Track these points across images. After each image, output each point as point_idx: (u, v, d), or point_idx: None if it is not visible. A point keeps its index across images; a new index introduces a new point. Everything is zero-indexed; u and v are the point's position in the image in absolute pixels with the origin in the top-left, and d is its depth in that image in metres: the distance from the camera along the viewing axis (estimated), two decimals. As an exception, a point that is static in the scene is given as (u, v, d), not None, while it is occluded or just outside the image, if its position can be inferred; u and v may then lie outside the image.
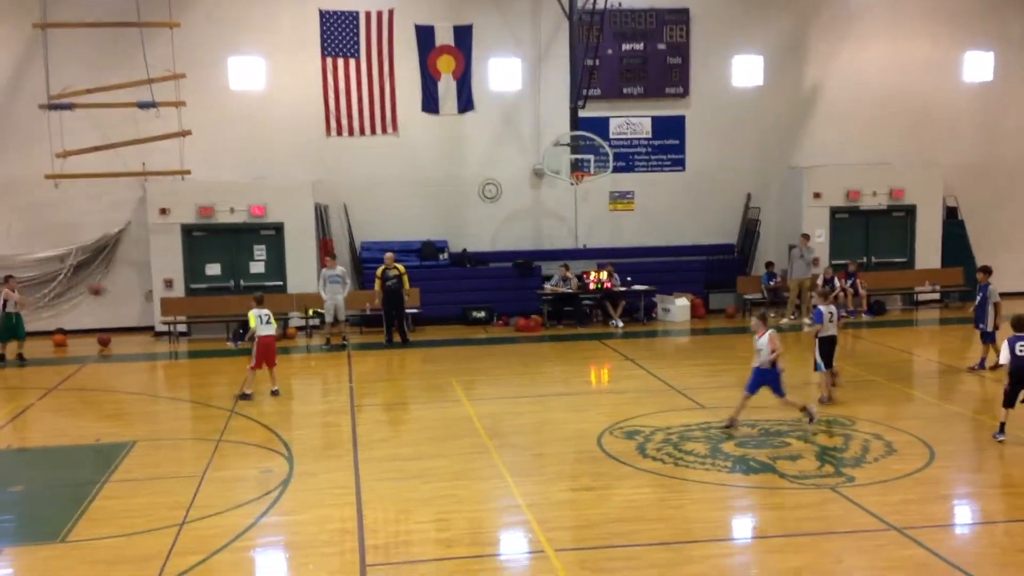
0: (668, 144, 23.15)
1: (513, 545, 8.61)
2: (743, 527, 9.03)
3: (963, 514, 9.27)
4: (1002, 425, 11.13)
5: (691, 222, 22.99)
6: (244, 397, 14.02)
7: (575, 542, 8.39)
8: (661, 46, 22.57)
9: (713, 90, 22.85)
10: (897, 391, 14.19)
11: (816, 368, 13.36)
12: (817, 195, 22.28)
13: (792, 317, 20.76)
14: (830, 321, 13.32)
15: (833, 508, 9.04)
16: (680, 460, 10.63)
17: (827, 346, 13.26)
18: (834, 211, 22.46)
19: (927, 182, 22.69)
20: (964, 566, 7.58)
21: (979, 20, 23.38)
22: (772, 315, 21.05)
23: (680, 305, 21.27)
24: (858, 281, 21.22)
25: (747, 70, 22.87)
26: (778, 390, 11.77)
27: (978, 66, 23.51)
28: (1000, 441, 10.99)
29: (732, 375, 15.35)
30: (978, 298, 15.29)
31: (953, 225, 23.22)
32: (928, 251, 22.78)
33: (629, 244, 22.73)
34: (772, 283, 21.38)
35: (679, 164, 23.12)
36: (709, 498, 9.52)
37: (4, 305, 17.62)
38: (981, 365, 15.08)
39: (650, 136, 23.09)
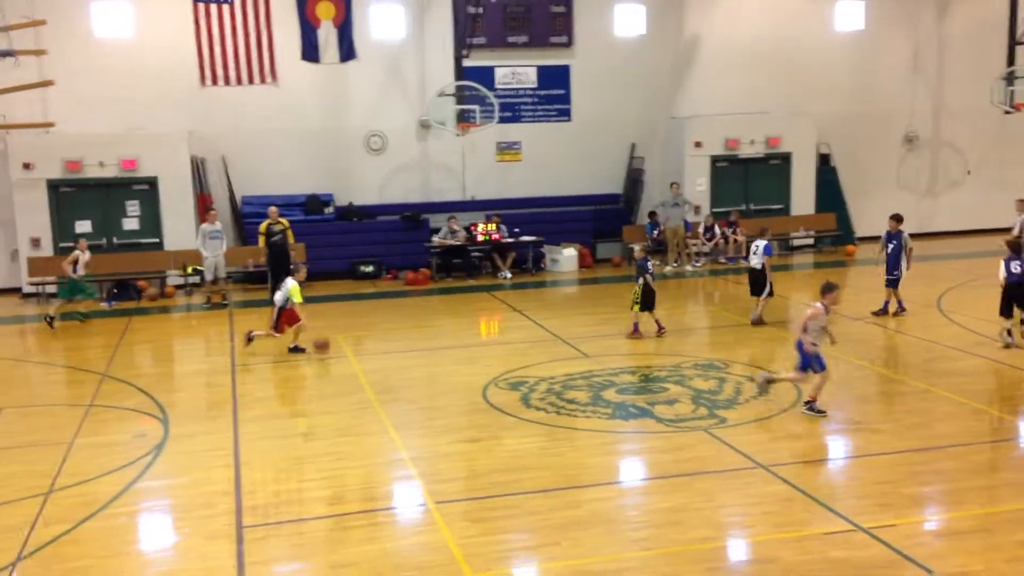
0: (554, 94, 23.16)
1: (395, 499, 8.62)
2: (620, 471, 9.26)
3: (825, 450, 9.71)
4: (1009, 331, 12.87)
5: (578, 172, 23.15)
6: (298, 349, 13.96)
7: (457, 494, 8.45)
8: (545, -6, 22.45)
9: (597, 39, 22.90)
10: (771, 334, 14.72)
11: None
12: (698, 144, 22.73)
13: (675, 264, 21.27)
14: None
15: (706, 449, 9.36)
16: (562, 409, 10.81)
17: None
18: (715, 159, 22.98)
19: (802, 130, 23.41)
20: (823, 499, 7.99)
21: (851, -29, 24.04)
22: (656, 263, 21.56)
23: (568, 255, 21.50)
24: (739, 228, 21.86)
25: (630, 19, 22.98)
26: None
27: (850, 15, 24.22)
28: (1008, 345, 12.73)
29: (616, 324, 15.68)
30: (891, 245, 15.35)
31: (826, 172, 24.09)
32: (803, 197, 23.59)
33: (517, 195, 22.76)
34: (656, 232, 21.81)
35: (565, 114, 23.19)
36: (589, 445, 9.73)
37: (75, 266, 16.68)
38: (884, 310, 15.33)
39: (536, 86, 23.04)
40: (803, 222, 23.48)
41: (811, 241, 23.76)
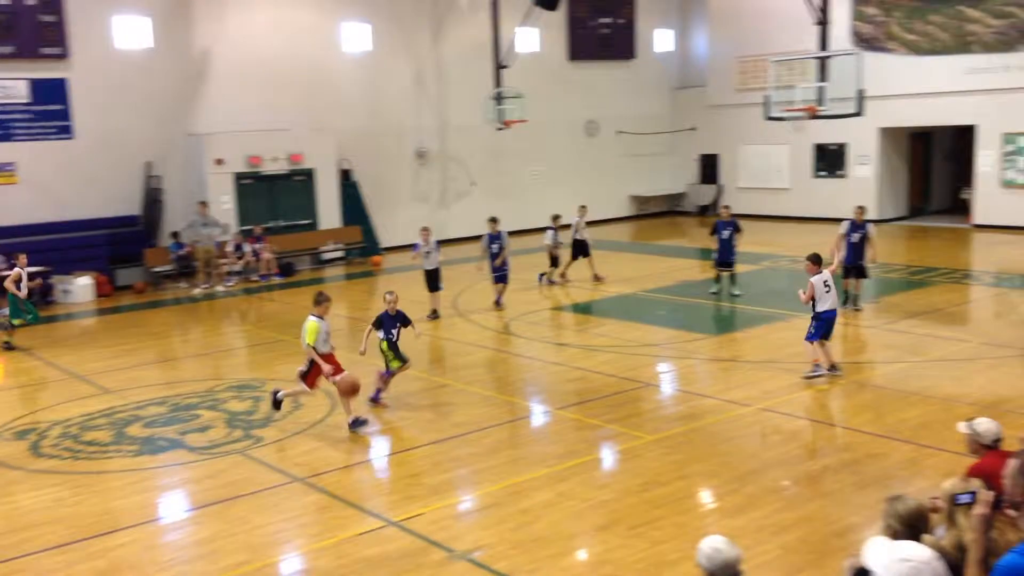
0: (51, 110, 21.00)
1: None
2: (150, 510, 8.69)
3: (357, 454, 10.04)
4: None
5: (87, 194, 21.25)
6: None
7: (-52, 572, 7.28)
8: (31, 1, 20.24)
9: (97, 52, 21.23)
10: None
11: None
12: (219, 161, 22.19)
13: (204, 287, 20.55)
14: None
15: (241, 472, 9.18)
16: (80, 453, 9.86)
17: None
18: (238, 177, 22.62)
19: (323, 147, 24.01)
20: (356, 501, 8.30)
21: (353, -9, 25.26)
22: (183, 285, 20.66)
23: (82, 285, 19.65)
24: (265, 244, 21.78)
25: (133, 31, 21.67)
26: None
27: (358, 36, 25.42)
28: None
29: (143, 353, 14.79)
30: (494, 246, 16.88)
31: (349, 186, 25.03)
32: (329, 212, 24.23)
33: (15, 222, 20.24)
34: (181, 252, 20.88)
35: (66, 131, 21.14)
36: (114, 487, 9.00)
37: (18, 284, 15.31)
38: (499, 301, 16.98)
39: (29, 101, 20.71)
40: (331, 235, 24.13)
41: (341, 254, 24.49)
